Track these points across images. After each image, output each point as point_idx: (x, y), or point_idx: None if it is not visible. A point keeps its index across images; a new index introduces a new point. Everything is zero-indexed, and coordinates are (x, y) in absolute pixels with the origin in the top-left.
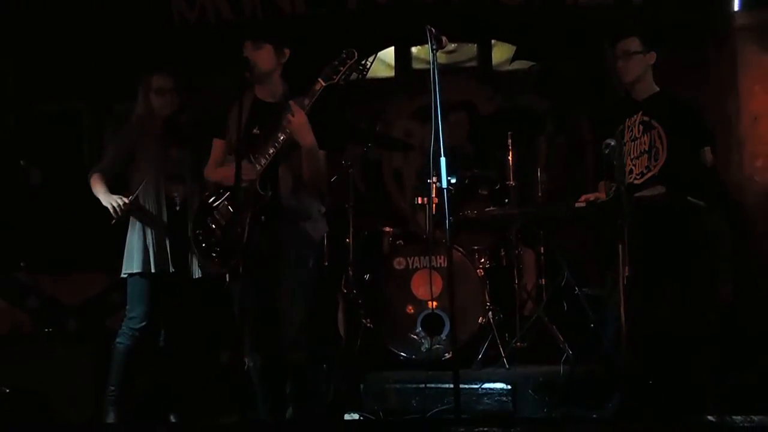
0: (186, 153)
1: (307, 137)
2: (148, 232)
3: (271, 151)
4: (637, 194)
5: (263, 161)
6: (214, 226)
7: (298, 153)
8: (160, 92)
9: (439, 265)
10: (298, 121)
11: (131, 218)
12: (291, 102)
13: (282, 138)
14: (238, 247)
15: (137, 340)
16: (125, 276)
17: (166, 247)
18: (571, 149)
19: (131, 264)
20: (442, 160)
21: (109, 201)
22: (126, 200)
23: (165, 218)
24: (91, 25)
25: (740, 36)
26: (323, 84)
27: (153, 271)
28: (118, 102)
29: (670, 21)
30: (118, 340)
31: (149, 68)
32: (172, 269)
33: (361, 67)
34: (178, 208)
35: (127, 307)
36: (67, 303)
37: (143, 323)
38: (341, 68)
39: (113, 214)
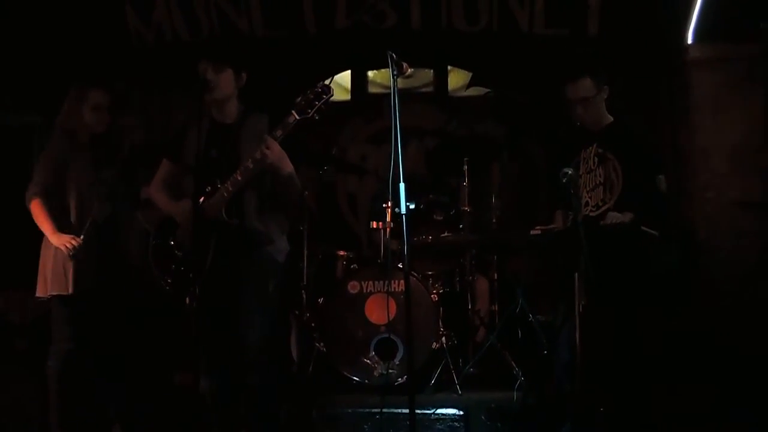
0: (116, 172)
1: (287, 166)
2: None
3: (239, 178)
4: (609, 216)
5: (231, 188)
6: (173, 243)
7: (262, 178)
8: (97, 108)
9: (393, 290)
10: (275, 152)
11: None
12: (266, 136)
13: (251, 166)
14: (198, 271)
15: (67, 363)
16: (47, 298)
17: (86, 268)
18: (525, 176)
19: (47, 285)
20: (402, 186)
21: (62, 243)
22: (79, 240)
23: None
24: (48, 39)
25: (693, 69)
26: (297, 117)
27: (70, 291)
28: None
29: (624, 52)
30: (48, 363)
31: (86, 81)
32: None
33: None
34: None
35: (53, 328)
36: (15, 321)
37: (70, 346)
38: (316, 103)
39: (70, 256)
